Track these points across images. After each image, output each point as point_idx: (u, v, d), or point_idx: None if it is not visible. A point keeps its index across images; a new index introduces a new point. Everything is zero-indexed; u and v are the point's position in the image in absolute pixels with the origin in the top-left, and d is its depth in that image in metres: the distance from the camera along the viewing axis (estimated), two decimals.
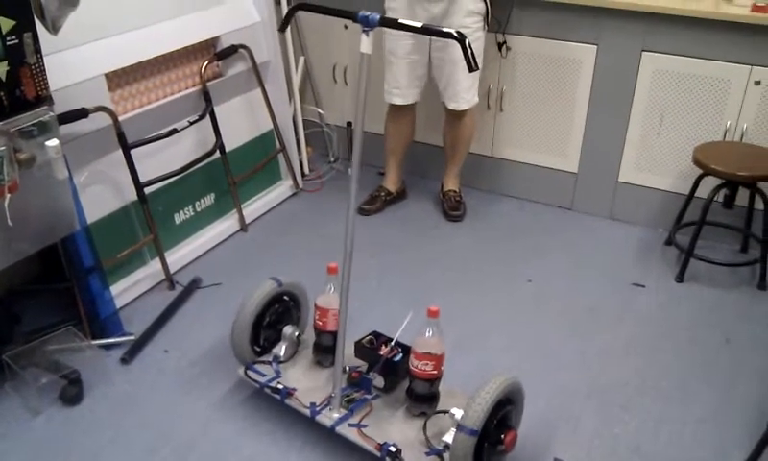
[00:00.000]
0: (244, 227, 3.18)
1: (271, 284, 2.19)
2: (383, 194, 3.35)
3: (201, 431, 2.09)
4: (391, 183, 3.38)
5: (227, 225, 3.14)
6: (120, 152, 2.55)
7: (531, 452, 2.00)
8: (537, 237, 3.12)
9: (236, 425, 2.11)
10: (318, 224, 3.22)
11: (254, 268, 2.89)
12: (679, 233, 2.93)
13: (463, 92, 2.98)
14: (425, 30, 1.82)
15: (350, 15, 1.80)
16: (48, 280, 2.57)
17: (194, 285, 2.78)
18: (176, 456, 2.01)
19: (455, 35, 1.68)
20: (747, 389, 2.24)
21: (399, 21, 1.83)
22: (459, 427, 1.75)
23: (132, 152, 2.58)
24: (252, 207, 3.28)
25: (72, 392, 2.18)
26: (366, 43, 1.77)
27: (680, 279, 2.78)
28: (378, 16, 1.75)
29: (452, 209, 3.26)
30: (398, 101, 3.10)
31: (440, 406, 1.99)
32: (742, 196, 2.73)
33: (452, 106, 3.04)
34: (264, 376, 2.12)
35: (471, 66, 1.68)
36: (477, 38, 2.90)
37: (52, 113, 2.00)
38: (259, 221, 3.27)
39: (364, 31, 1.76)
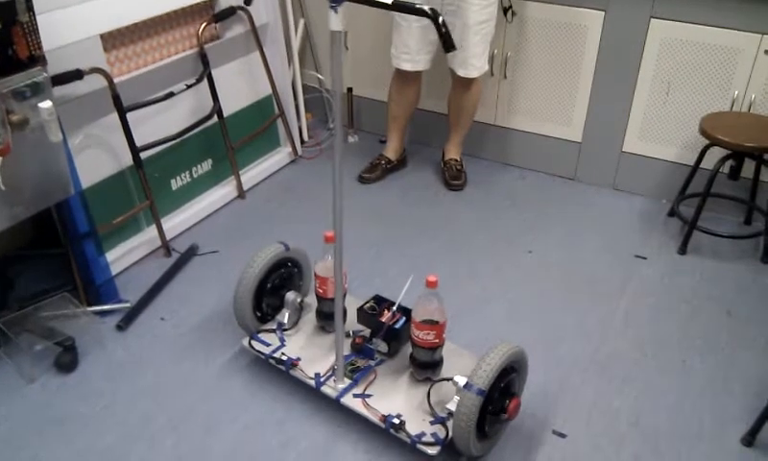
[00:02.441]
0: (242, 194, 3.13)
1: (277, 247, 2.14)
2: (383, 162, 3.29)
3: (198, 400, 2.06)
4: (392, 151, 3.32)
5: (224, 191, 3.08)
6: (115, 115, 2.48)
7: (530, 424, 1.98)
8: (538, 208, 3.09)
9: (236, 394, 2.08)
10: (317, 191, 3.17)
11: (252, 235, 2.85)
12: (682, 205, 2.90)
13: (473, 58, 2.90)
14: (396, 6, 1.59)
15: None
16: (42, 246, 2.51)
17: (191, 252, 2.74)
18: (172, 424, 1.97)
19: (428, 12, 1.51)
20: (747, 362, 2.22)
21: None
22: (466, 385, 1.72)
23: (128, 115, 2.51)
24: (250, 174, 3.22)
25: (66, 359, 2.15)
26: (335, 20, 1.60)
27: (682, 250, 2.75)
28: None
29: (453, 179, 3.21)
30: (407, 66, 2.99)
31: (445, 368, 1.97)
32: (748, 168, 2.69)
33: (461, 72, 2.95)
34: (268, 345, 2.08)
35: (448, 46, 1.52)
36: (491, 3, 2.81)
37: (45, 74, 1.94)
38: (257, 188, 3.22)
39: (332, 6, 1.58)
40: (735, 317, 2.42)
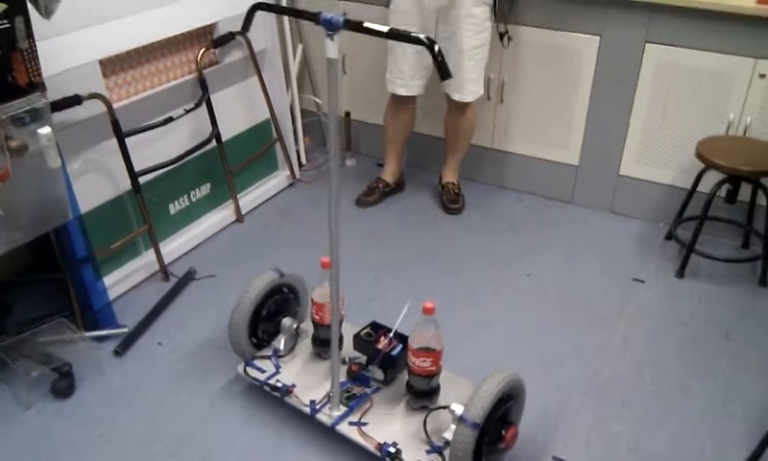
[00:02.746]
0: (240, 217, 3.14)
1: (272, 274, 2.15)
2: (381, 185, 3.30)
3: (195, 425, 2.05)
4: (389, 175, 3.34)
5: (222, 215, 3.09)
6: (114, 140, 2.50)
7: (529, 449, 1.97)
8: (536, 231, 3.09)
9: (232, 420, 2.07)
10: (315, 215, 3.17)
11: (250, 260, 2.85)
12: (680, 228, 2.91)
13: (468, 83, 2.92)
14: (393, 35, 1.62)
15: (313, 17, 1.61)
16: (40, 271, 2.52)
17: (189, 277, 2.74)
18: (170, 451, 1.97)
19: (425, 41, 1.53)
20: (747, 386, 2.22)
21: (365, 25, 1.60)
22: (461, 419, 1.72)
23: (127, 140, 2.53)
24: (249, 198, 3.23)
25: (63, 385, 2.14)
26: (332, 48, 1.61)
27: (680, 274, 2.75)
28: (342, 19, 1.57)
29: (451, 202, 3.22)
30: (402, 91, 3.02)
31: (442, 396, 1.96)
32: (744, 191, 2.70)
33: (457, 96, 2.97)
34: (263, 372, 2.08)
35: (444, 74, 1.54)
36: (485, 29, 2.84)
37: (45, 100, 1.96)
38: (255, 212, 3.23)
39: (328, 35, 1.59)
40: (735, 341, 2.41)
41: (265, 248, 2.95)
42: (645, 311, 2.57)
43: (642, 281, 2.73)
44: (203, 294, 2.66)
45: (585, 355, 2.34)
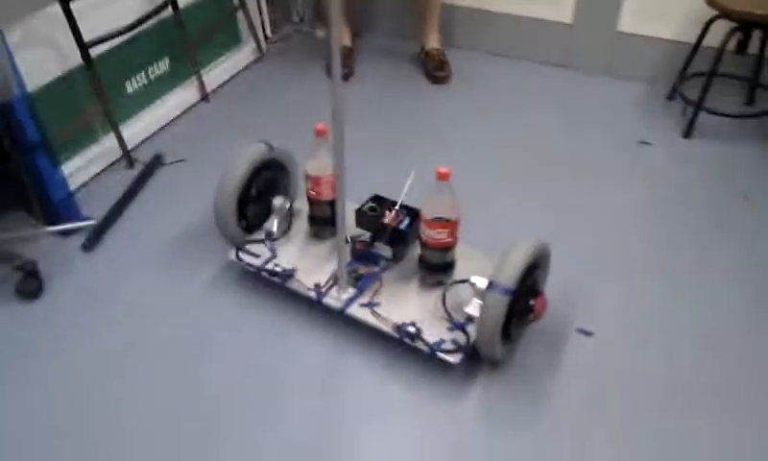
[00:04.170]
0: (205, 96, 2.84)
1: (260, 148, 1.90)
2: (346, 51, 3.00)
3: (185, 321, 1.85)
4: (346, 38, 3.04)
5: (186, 95, 2.78)
6: (57, 5, 2.15)
7: (552, 323, 1.81)
8: (531, 98, 2.87)
9: (227, 311, 1.87)
10: (285, 90, 2.89)
11: (221, 141, 2.58)
12: (682, 87, 2.72)
13: None
14: None
15: None
16: None
17: (156, 162, 2.47)
18: (159, 351, 1.77)
19: None
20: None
21: None
22: (491, 285, 1.54)
23: (73, 5, 2.18)
24: (213, 74, 2.92)
25: (30, 285, 1.90)
26: None
27: (687, 134, 2.59)
28: None
29: (437, 69, 2.96)
30: None
31: (457, 272, 1.79)
32: (752, 43, 2.51)
33: None
34: (258, 257, 1.86)
35: None
36: None
37: None
38: (222, 90, 2.93)
39: None
40: (753, 201, 2.27)
41: (235, 127, 2.67)
42: (656, 174, 2.41)
43: (649, 144, 2.56)
44: (174, 180, 2.40)
45: (599, 224, 2.18)
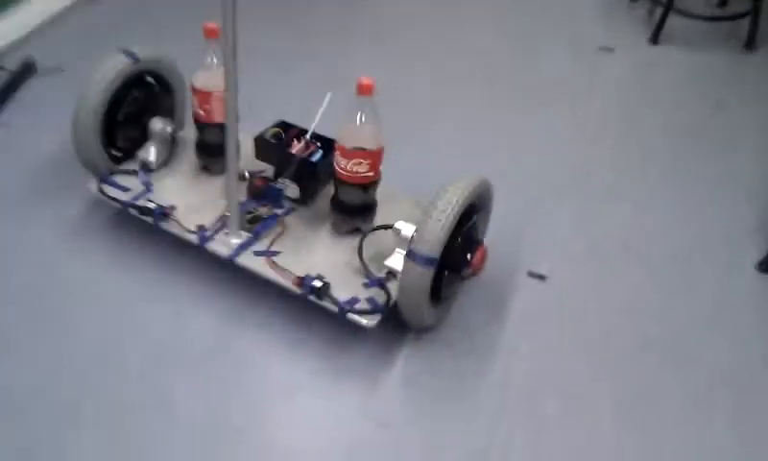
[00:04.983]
0: None
1: (121, 59, 1.50)
2: None
3: (42, 271, 1.48)
4: None
5: None
6: None
7: (498, 268, 1.50)
8: (482, 3, 2.48)
9: (93, 261, 1.50)
10: None
11: (109, 46, 2.13)
12: None
13: None
14: None
15: None
16: None
17: (26, 71, 2.05)
18: (9, 302, 1.41)
19: None
20: (748, 160, 1.81)
21: None
22: (410, 255, 1.23)
23: None
24: None
25: None
26: None
27: (654, 39, 2.26)
28: None
29: None
30: None
31: (379, 217, 1.45)
32: None
33: None
34: (128, 190, 1.49)
35: None
36: None
37: None
38: None
39: None
40: (726, 110, 1.97)
41: (128, 29, 2.24)
42: (620, 85, 2.10)
43: (611, 50, 2.22)
44: (46, 94, 1.99)
45: (555, 143, 1.87)
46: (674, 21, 2.25)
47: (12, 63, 2.04)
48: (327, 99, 1.45)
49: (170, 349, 1.34)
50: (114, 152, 1.54)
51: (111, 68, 1.47)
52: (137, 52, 1.51)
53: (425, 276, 1.23)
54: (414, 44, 2.22)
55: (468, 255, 1.32)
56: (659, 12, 2.24)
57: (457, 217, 1.25)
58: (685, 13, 2.23)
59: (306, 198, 1.49)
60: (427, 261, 1.22)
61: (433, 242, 1.22)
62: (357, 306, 1.30)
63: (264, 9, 2.29)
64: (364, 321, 1.28)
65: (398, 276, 1.31)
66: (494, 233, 1.48)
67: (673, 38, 2.26)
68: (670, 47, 2.24)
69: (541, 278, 1.51)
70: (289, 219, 1.46)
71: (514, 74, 2.12)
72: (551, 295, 1.48)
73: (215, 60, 1.43)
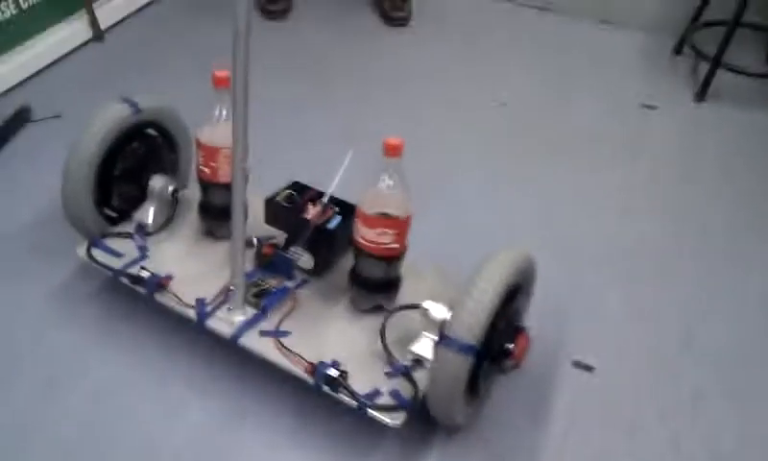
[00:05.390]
0: (98, 33, 2.25)
1: (120, 108, 1.34)
2: None
3: (28, 345, 1.30)
4: None
5: (72, 30, 2.19)
6: None
7: (538, 355, 1.30)
8: (507, 46, 2.34)
9: (77, 337, 1.32)
10: (204, 31, 2.31)
11: (112, 91, 1.98)
12: (692, 38, 2.21)
13: None
14: None
15: None
16: None
17: (21, 117, 1.90)
18: None
19: None
20: None
21: None
22: (444, 341, 1.04)
23: None
24: (109, 7, 2.32)
25: None
26: None
27: (701, 96, 2.08)
28: None
29: (395, 9, 2.41)
30: None
31: (402, 297, 1.26)
32: None
33: None
34: (120, 256, 1.32)
35: None
36: None
37: None
38: (121, 26, 2.34)
39: None
40: None
41: (133, 75, 2.09)
42: (666, 146, 1.92)
43: (655, 108, 2.05)
44: (43, 142, 1.83)
45: (595, 211, 1.68)
46: (722, 77, 2.08)
47: (6, 109, 1.90)
48: (348, 159, 1.28)
49: (157, 444, 1.15)
50: (108, 211, 1.37)
51: (110, 117, 1.31)
52: (139, 101, 1.35)
53: (462, 366, 1.04)
54: (433, 99, 2.07)
55: (510, 345, 1.13)
56: (703, 67, 2.08)
57: (500, 298, 1.07)
58: (733, 69, 2.06)
59: (321, 269, 1.31)
60: (465, 348, 1.03)
61: (472, 326, 1.03)
62: (379, 401, 1.10)
63: (276, 58, 2.15)
64: (387, 419, 1.09)
65: (427, 364, 1.13)
66: (534, 313, 1.29)
67: (720, 96, 2.09)
68: (717, 105, 2.07)
69: (588, 369, 1.31)
70: (301, 293, 1.28)
71: (546, 129, 1.96)
72: (600, 389, 1.27)
73: (224, 113, 1.27)
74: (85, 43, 2.21)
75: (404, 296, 1.25)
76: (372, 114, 1.96)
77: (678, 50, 2.30)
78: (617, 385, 1.28)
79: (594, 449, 1.18)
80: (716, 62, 2.03)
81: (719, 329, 1.40)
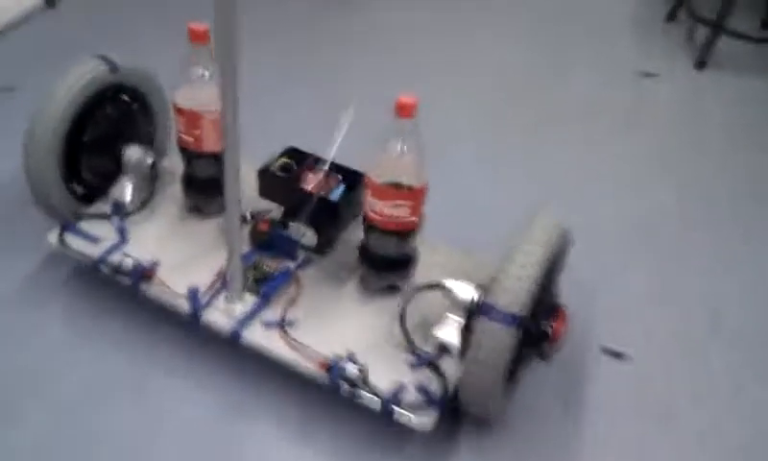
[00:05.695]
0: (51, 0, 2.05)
1: (96, 66, 1.17)
2: None
3: None
4: None
5: None
6: None
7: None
8: (499, 12, 2.22)
9: (49, 333, 1.15)
10: None
11: (70, 61, 1.81)
12: (690, 3, 2.13)
13: None
14: None
15: None
16: None
17: None
18: None
19: None
20: None
21: None
22: (486, 310, 0.91)
23: None
24: None
25: None
26: None
27: (701, 64, 1.99)
28: None
29: None
30: None
31: (419, 275, 1.13)
32: None
33: None
34: (97, 241, 1.15)
35: None
36: None
37: None
38: None
39: None
40: None
41: (90, 43, 1.90)
42: (671, 115, 1.82)
43: (656, 75, 1.95)
44: None
45: (603, 183, 1.58)
46: (719, 43, 2.00)
47: None
48: (349, 116, 1.12)
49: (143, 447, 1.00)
50: (77, 187, 1.20)
51: (83, 75, 1.14)
52: (117, 60, 1.18)
53: (507, 340, 0.90)
54: (425, 64, 1.94)
55: (549, 325, 1.00)
56: (700, 32, 1.99)
57: (548, 263, 0.95)
58: (733, 34, 1.98)
59: (324, 246, 1.16)
60: (510, 320, 0.90)
61: (518, 293, 0.90)
62: (405, 398, 0.96)
63: (259, 23, 1.98)
64: (416, 420, 0.95)
65: (454, 351, 1.00)
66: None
67: (720, 63, 2.01)
68: (719, 72, 1.98)
69: (618, 355, 1.20)
70: (304, 275, 1.13)
71: (545, 97, 1.85)
72: (631, 376, 1.16)
73: (206, 74, 1.11)
74: (38, 12, 2.02)
75: (421, 272, 1.12)
76: (359, 77, 1.82)
77: (671, 16, 2.21)
78: (648, 372, 1.17)
79: (630, 439, 1.07)
80: (718, 28, 1.94)
81: (745, 309, 1.30)
